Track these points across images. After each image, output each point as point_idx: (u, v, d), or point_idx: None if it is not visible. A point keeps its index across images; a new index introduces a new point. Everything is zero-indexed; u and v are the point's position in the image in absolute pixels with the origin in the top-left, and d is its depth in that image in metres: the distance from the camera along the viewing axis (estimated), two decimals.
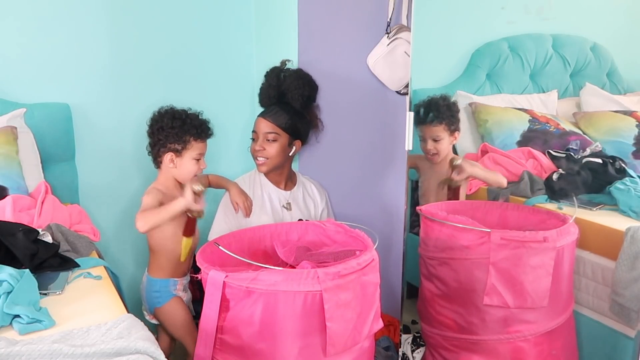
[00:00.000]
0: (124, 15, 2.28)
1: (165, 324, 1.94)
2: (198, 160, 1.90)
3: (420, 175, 2.28)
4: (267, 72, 2.19)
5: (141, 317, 1.29)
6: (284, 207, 2.15)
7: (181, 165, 1.89)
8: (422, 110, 2.17)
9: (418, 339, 2.16)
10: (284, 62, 2.18)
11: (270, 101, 2.16)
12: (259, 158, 2.11)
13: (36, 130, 2.08)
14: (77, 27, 2.21)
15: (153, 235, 1.88)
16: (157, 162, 1.91)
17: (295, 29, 2.19)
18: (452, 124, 2.16)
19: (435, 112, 2.16)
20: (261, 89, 2.20)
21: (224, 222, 2.10)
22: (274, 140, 2.08)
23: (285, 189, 2.19)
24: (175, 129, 1.85)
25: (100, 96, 2.28)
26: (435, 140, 2.14)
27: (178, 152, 1.87)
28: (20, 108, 2.07)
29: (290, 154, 2.13)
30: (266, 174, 2.17)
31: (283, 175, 2.18)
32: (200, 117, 1.92)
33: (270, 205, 2.13)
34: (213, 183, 2.11)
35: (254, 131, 2.12)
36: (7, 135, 1.95)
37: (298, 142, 2.14)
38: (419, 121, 2.17)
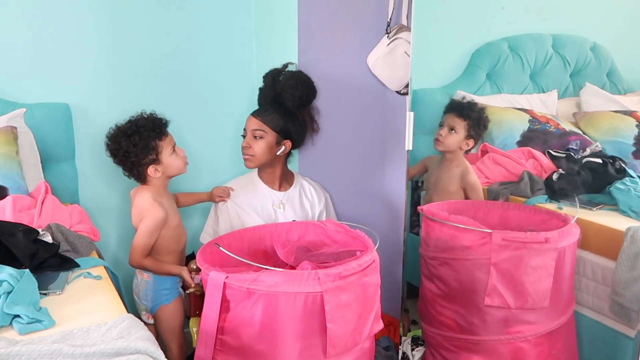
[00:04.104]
0: (125, 15, 2.27)
1: (164, 322, 1.95)
2: (174, 151, 1.89)
3: (427, 171, 2.28)
4: (265, 73, 2.19)
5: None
6: (275, 208, 2.14)
7: (166, 167, 1.87)
8: (454, 103, 2.22)
9: (417, 339, 2.17)
10: (285, 65, 2.17)
11: (265, 101, 2.18)
12: (245, 155, 2.12)
13: (36, 130, 2.07)
14: (78, 27, 2.20)
15: (155, 243, 1.89)
16: (143, 179, 1.88)
17: (295, 29, 2.19)
18: (473, 129, 2.17)
19: (468, 110, 2.18)
20: (259, 89, 2.22)
21: (213, 223, 2.14)
22: (260, 138, 2.08)
23: (280, 189, 2.18)
24: (138, 144, 1.81)
25: (100, 96, 2.28)
26: (450, 130, 2.16)
27: (155, 160, 1.85)
28: (20, 108, 2.06)
29: (278, 153, 2.12)
30: (259, 174, 2.17)
31: (275, 175, 2.17)
32: (147, 116, 1.87)
33: (261, 205, 2.13)
34: (185, 201, 2.13)
35: (244, 129, 2.14)
36: (7, 135, 1.94)
37: (288, 142, 2.12)
38: (448, 109, 2.22)
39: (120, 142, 1.82)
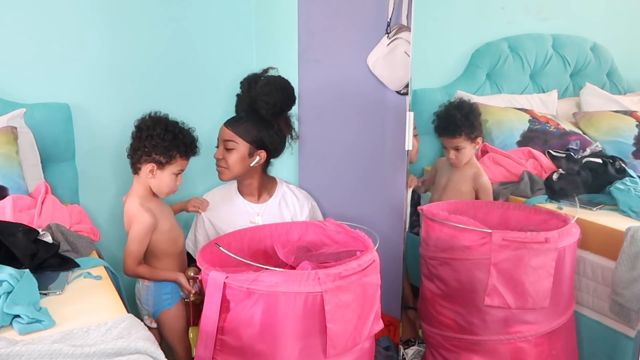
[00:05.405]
0: (125, 15, 2.27)
1: (167, 327, 1.94)
2: (177, 175, 1.86)
3: (438, 170, 2.28)
4: (242, 79, 2.10)
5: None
6: (252, 222, 2.07)
7: (160, 178, 1.84)
8: (438, 126, 2.18)
9: (411, 339, 2.18)
10: (265, 70, 2.08)
11: (241, 109, 2.07)
12: (218, 166, 2.05)
13: (36, 130, 2.07)
14: (78, 27, 2.20)
15: (150, 247, 1.87)
16: (136, 168, 1.86)
17: (295, 29, 2.19)
18: (472, 133, 2.14)
19: (453, 125, 2.14)
20: (237, 96, 2.12)
21: (195, 231, 2.13)
22: (232, 149, 2.01)
23: (259, 200, 2.12)
24: (165, 142, 1.79)
25: (100, 96, 2.28)
26: (457, 150, 2.14)
27: (161, 165, 1.82)
28: (20, 108, 2.06)
29: (252, 165, 2.03)
30: (237, 186, 2.12)
31: (253, 186, 2.11)
32: (191, 134, 1.87)
33: (237, 218, 2.07)
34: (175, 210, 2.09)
35: (217, 138, 2.07)
36: (7, 135, 1.94)
37: (262, 153, 2.04)
38: (439, 132, 2.18)
39: (156, 127, 1.80)
